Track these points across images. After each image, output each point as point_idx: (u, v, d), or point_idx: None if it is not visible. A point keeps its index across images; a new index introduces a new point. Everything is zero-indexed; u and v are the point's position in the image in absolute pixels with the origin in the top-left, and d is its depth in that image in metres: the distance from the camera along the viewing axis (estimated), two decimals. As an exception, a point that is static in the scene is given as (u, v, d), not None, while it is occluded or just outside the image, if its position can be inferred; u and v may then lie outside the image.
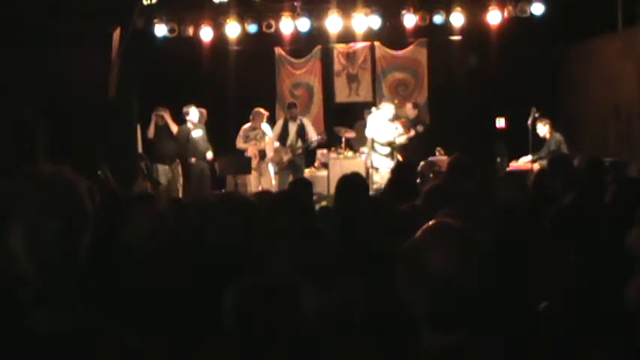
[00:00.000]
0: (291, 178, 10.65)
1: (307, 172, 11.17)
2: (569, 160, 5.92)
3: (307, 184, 5.33)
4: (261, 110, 10.98)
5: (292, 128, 10.79)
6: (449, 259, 1.63)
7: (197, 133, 10.69)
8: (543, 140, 10.44)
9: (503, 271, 2.56)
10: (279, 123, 10.94)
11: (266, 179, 10.94)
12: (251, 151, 10.88)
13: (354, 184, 4.27)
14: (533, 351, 1.83)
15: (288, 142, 10.74)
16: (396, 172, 6.58)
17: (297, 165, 10.72)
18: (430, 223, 1.75)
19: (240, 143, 10.99)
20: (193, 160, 10.62)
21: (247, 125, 11.00)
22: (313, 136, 10.79)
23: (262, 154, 10.81)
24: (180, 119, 10.73)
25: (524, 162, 10.07)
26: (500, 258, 2.71)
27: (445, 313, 1.62)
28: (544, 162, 8.98)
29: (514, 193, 3.99)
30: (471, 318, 1.63)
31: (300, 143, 10.73)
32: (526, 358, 1.88)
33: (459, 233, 1.69)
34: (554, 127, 10.32)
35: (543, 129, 10.37)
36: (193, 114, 10.64)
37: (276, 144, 10.86)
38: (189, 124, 10.66)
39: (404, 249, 1.72)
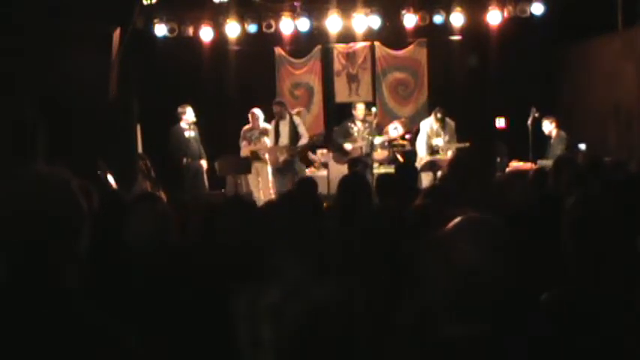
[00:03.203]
0: (287, 179, 10.65)
1: (307, 172, 11.14)
2: (573, 160, 5.92)
3: (313, 184, 5.33)
4: (254, 111, 10.96)
5: (283, 128, 10.75)
6: (479, 250, 1.64)
7: (190, 134, 10.67)
8: (546, 139, 10.45)
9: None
10: (272, 123, 10.93)
11: (264, 179, 10.92)
12: (243, 152, 10.88)
13: (355, 184, 4.27)
14: (534, 348, 1.83)
15: (280, 142, 10.70)
16: (397, 172, 6.57)
17: (291, 166, 10.66)
18: (461, 216, 1.77)
19: (243, 147, 11.00)
20: (187, 160, 10.59)
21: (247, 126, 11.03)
22: (303, 139, 10.71)
23: (255, 155, 10.76)
24: (175, 119, 10.70)
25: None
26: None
27: (471, 303, 1.63)
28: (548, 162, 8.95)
29: (515, 192, 3.99)
30: (495, 309, 1.64)
31: (294, 143, 10.66)
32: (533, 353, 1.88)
33: (489, 226, 1.71)
34: (559, 126, 10.36)
35: (549, 126, 10.41)
36: (189, 114, 10.61)
37: (269, 143, 10.84)
38: (183, 124, 10.62)
39: (435, 239, 1.74)
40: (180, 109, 10.58)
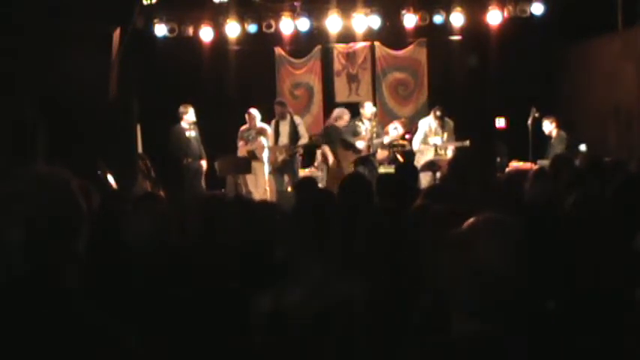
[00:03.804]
0: (286, 179, 10.65)
1: (307, 172, 11.14)
2: (571, 160, 5.92)
3: (313, 183, 5.36)
4: (250, 111, 10.96)
5: (283, 128, 10.75)
6: (496, 250, 1.65)
7: (191, 134, 10.68)
8: (546, 139, 10.45)
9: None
10: (272, 123, 10.94)
11: (260, 179, 10.92)
12: (240, 152, 10.88)
13: (357, 184, 4.28)
14: (535, 348, 1.83)
15: (280, 141, 10.70)
16: (397, 172, 6.57)
17: (290, 166, 10.65)
18: (478, 215, 1.77)
19: (240, 147, 11.01)
20: (188, 160, 10.60)
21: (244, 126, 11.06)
22: (302, 139, 10.69)
23: (252, 155, 10.77)
24: (176, 118, 10.70)
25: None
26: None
27: (482, 302, 1.64)
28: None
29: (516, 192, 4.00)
30: (510, 308, 1.65)
31: (294, 143, 10.65)
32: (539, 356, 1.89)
33: (506, 226, 1.71)
34: (559, 126, 10.38)
35: (549, 126, 10.42)
36: (191, 114, 10.62)
37: (267, 143, 10.83)
38: (184, 124, 10.62)
39: (451, 238, 1.74)
40: (182, 109, 10.58)
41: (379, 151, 10.77)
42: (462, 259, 1.68)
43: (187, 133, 10.61)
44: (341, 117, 10.76)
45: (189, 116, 10.58)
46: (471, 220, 1.75)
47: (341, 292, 2.50)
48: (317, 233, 2.58)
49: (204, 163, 10.76)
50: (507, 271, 1.64)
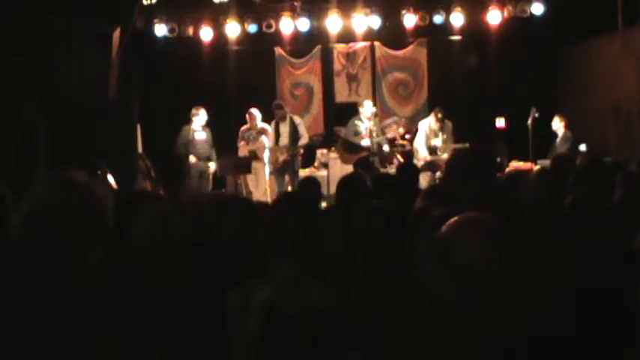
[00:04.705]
0: (286, 179, 10.66)
1: (307, 172, 11.14)
2: (572, 160, 5.92)
3: (316, 184, 5.35)
4: (251, 111, 10.96)
5: (283, 129, 10.76)
6: (477, 251, 1.64)
7: (200, 135, 10.67)
8: (547, 138, 10.45)
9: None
10: (272, 124, 10.94)
11: (261, 179, 10.92)
12: (241, 152, 10.89)
13: (355, 184, 4.27)
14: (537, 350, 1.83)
15: (280, 142, 10.72)
16: (398, 172, 6.57)
17: (291, 166, 10.65)
18: (458, 216, 1.76)
19: (241, 147, 11.01)
20: (194, 160, 10.61)
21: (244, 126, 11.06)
22: (303, 139, 10.69)
23: (252, 155, 10.77)
24: (185, 119, 10.70)
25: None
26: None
27: (471, 303, 1.63)
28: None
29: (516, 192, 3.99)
30: (495, 309, 1.64)
31: (294, 143, 10.65)
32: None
33: (487, 226, 1.70)
34: (567, 126, 10.40)
35: (557, 124, 10.45)
36: (202, 117, 10.63)
37: (268, 142, 10.83)
38: (193, 125, 10.63)
39: (433, 240, 1.73)
40: (193, 111, 10.61)
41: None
42: (444, 260, 1.67)
43: (196, 135, 10.59)
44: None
45: (199, 118, 10.60)
46: (452, 220, 1.73)
47: (311, 295, 2.48)
48: (304, 235, 2.59)
49: (212, 165, 10.74)
50: (491, 272, 1.63)
